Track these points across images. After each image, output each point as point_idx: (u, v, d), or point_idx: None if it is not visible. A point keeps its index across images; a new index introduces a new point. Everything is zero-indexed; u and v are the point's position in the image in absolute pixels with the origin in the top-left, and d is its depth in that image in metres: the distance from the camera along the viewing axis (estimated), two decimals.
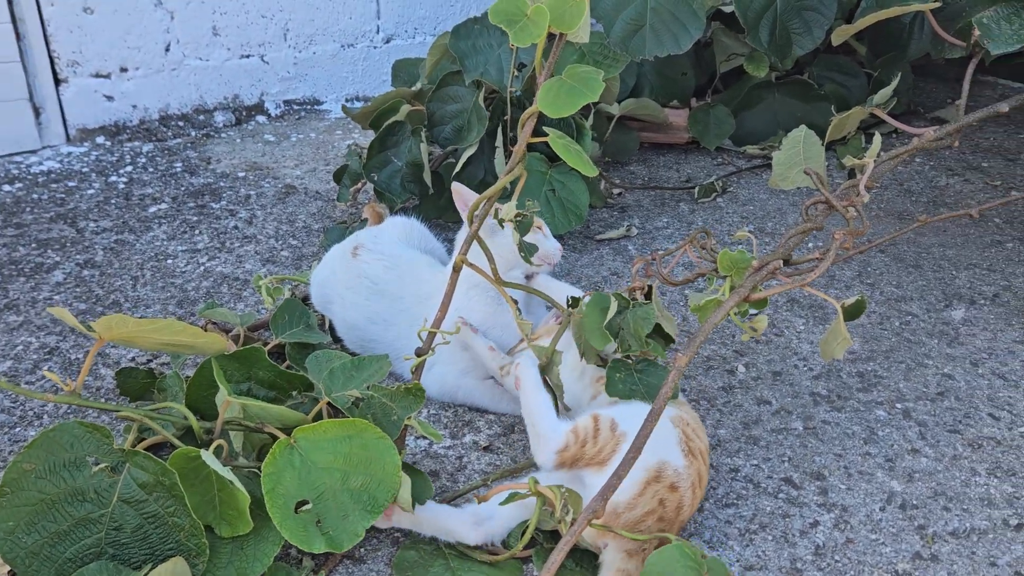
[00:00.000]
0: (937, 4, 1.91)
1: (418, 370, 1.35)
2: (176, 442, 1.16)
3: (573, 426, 1.18)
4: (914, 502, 1.34)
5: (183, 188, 2.37)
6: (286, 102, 2.91)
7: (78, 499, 1.08)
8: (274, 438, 1.25)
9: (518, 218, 1.32)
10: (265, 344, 1.50)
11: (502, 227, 1.39)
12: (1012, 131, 2.91)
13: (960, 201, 2.37)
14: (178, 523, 1.09)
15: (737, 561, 1.22)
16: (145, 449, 1.15)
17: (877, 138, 1.63)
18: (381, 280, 1.60)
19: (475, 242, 1.33)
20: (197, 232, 2.14)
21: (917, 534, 1.28)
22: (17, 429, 1.45)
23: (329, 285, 1.67)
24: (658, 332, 1.44)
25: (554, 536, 1.24)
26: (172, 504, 1.09)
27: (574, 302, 1.43)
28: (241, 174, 2.48)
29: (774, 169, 1.93)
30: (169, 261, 2.01)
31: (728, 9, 2.52)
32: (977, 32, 1.81)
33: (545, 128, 1.37)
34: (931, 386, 1.61)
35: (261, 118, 2.87)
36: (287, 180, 2.45)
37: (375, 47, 2.99)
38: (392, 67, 2.47)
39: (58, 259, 1.99)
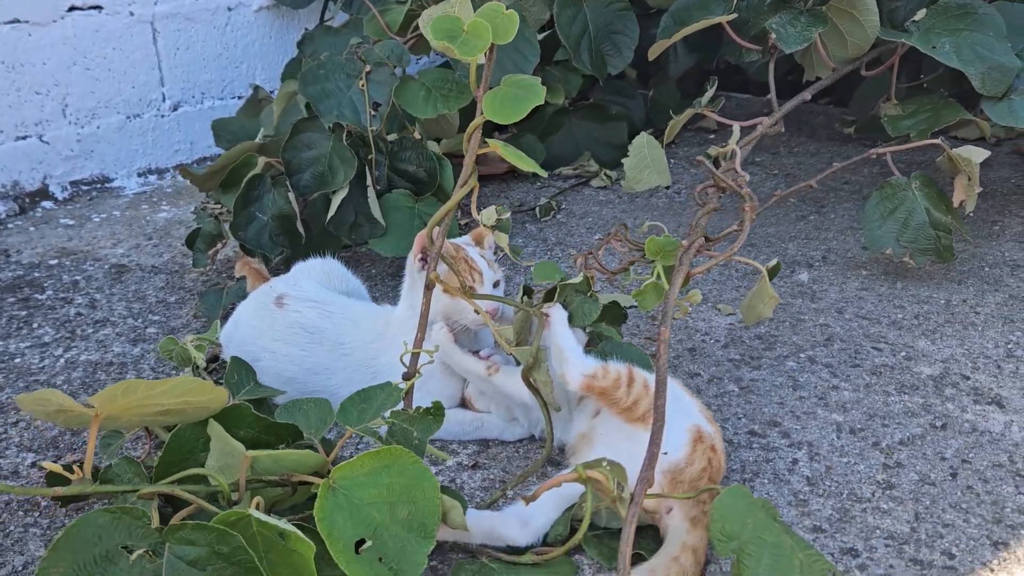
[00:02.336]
0: (733, 16, 2.19)
1: (408, 396, 1.31)
2: (212, 508, 1.04)
3: (604, 364, 1.25)
4: (859, 426, 1.52)
5: None
6: (73, 183, 2.65)
7: None
8: (295, 489, 1.16)
9: (497, 221, 1.34)
10: None
11: (492, 231, 1.39)
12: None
13: (756, 189, 2.64)
14: None
15: None
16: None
17: (736, 127, 1.84)
18: (318, 328, 1.53)
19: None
20: (35, 326, 1.89)
21: (876, 449, 1.45)
22: None
23: (251, 342, 1.56)
24: (610, 314, 1.52)
25: (591, 525, 1.25)
26: (232, 574, 0.97)
27: (528, 292, 1.48)
28: (53, 261, 2.22)
29: (627, 174, 2.11)
30: (17, 360, 1.76)
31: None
32: (773, 36, 2.10)
33: (486, 140, 1.41)
34: (817, 335, 1.83)
35: (47, 203, 2.58)
36: (112, 260, 2.23)
37: (163, 115, 2.82)
38: (212, 127, 2.36)
39: None
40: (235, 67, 2.97)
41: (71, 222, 2.48)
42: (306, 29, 2.96)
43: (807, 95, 2.13)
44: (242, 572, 0.97)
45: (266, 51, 3.03)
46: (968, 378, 1.66)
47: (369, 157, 2.01)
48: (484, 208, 1.52)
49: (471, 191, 1.39)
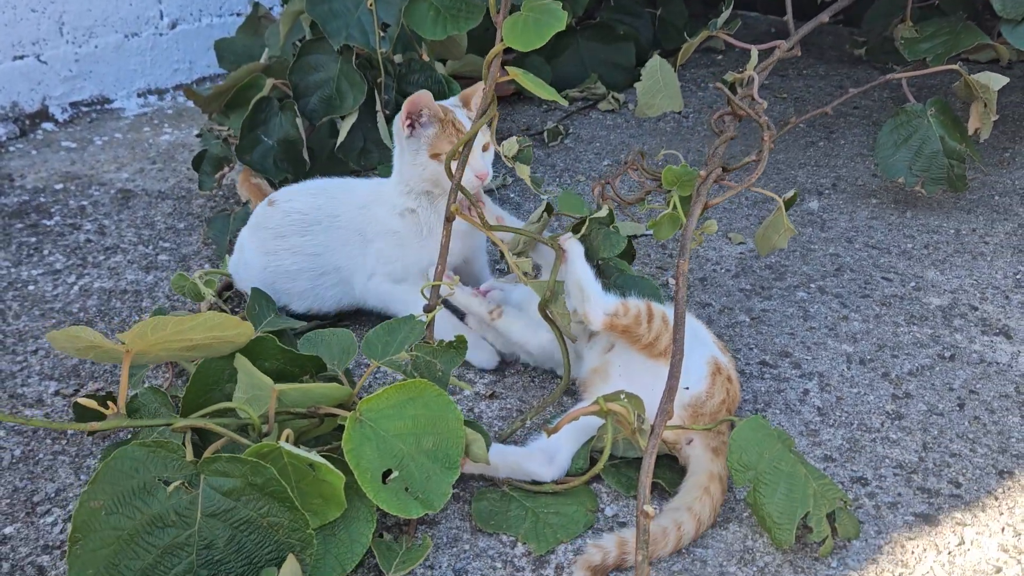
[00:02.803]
0: None
1: (430, 326, 1.33)
2: (244, 440, 1.06)
3: (624, 301, 1.26)
4: (868, 357, 1.54)
5: None
6: (72, 104, 2.61)
7: (159, 526, 0.97)
8: (322, 420, 1.18)
9: (519, 153, 1.33)
10: None
11: (511, 164, 1.38)
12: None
13: (766, 114, 2.65)
14: (275, 522, 1.01)
15: None
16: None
17: (754, 51, 1.80)
18: (312, 207, 1.57)
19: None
20: (46, 252, 1.89)
21: (885, 380, 1.48)
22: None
23: (254, 256, 1.59)
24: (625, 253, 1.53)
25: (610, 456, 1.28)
26: (265, 504, 1.00)
27: (548, 210, 1.48)
28: (59, 186, 2.20)
29: (640, 99, 2.07)
30: (31, 287, 1.76)
31: None
32: None
33: (507, 68, 1.38)
34: (827, 265, 1.84)
35: (48, 125, 2.54)
36: (117, 185, 2.21)
37: (161, 34, 2.75)
38: (215, 47, 2.31)
39: None
40: None
41: (73, 145, 2.45)
42: None
43: (824, 17, 2.09)
44: (275, 502, 1.00)
45: None
46: (976, 309, 1.67)
47: (378, 80, 1.98)
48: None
49: (491, 119, 1.37)
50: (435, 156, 1.43)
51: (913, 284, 1.76)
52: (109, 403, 1.01)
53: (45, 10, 2.48)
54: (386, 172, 1.97)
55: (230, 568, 0.99)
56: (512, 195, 2.17)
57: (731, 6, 2.12)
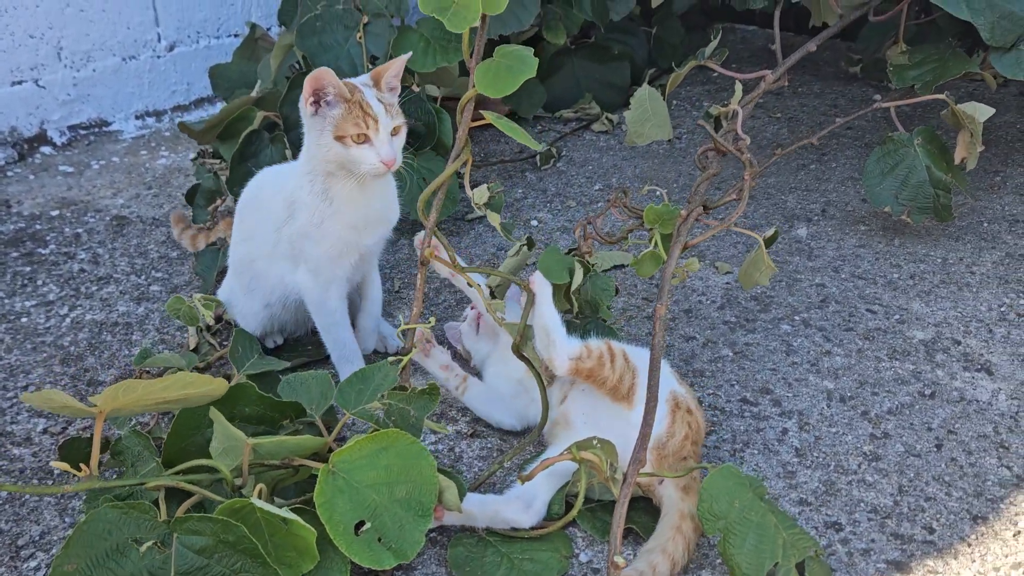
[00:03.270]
0: None
1: (405, 369, 1.34)
2: (216, 497, 1.08)
3: (586, 343, 1.26)
4: (849, 394, 1.55)
5: None
6: (71, 127, 2.63)
7: None
8: (296, 471, 1.20)
9: (491, 200, 1.34)
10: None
11: (482, 211, 1.40)
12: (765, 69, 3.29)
13: (758, 134, 2.66)
14: None
15: None
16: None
17: (738, 85, 1.81)
18: (249, 199, 1.59)
19: None
20: (39, 283, 1.91)
21: (864, 419, 1.49)
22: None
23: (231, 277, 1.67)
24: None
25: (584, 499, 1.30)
26: (238, 560, 1.02)
27: (530, 245, 1.49)
28: (55, 212, 2.23)
29: (629, 127, 2.08)
30: (24, 319, 1.78)
31: None
32: None
33: (482, 112, 1.40)
34: (813, 296, 1.84)
35: (47, 149, 2.57)
36: (112, 211, 2.24)
37: (159, 56, 2.78)
38: (209, 74, 2.33)
39: None
40: (230, 4, 2.91)
41: (70, 169, 2.47)
42: None
43: (812, 46, 2.10)
44: (248, 558, 1.02)
45: None
46: (959, 343, 1.68)
47: None
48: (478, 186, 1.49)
49: (465, 163, 1.39)
50: (339, 138, 1.35)
51: (897, 317, 1.76)
52: (82, 466, 1.03)
53: (43, 36, 2.50)
54: None
55: None
56: (502, 221, 2.18)
57: (719, 35, 2.13)
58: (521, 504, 1.25)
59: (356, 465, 1.13)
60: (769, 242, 1.57)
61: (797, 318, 1.77)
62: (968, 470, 1.37)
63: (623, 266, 1.94)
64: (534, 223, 2.17)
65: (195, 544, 1.01)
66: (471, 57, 1.38)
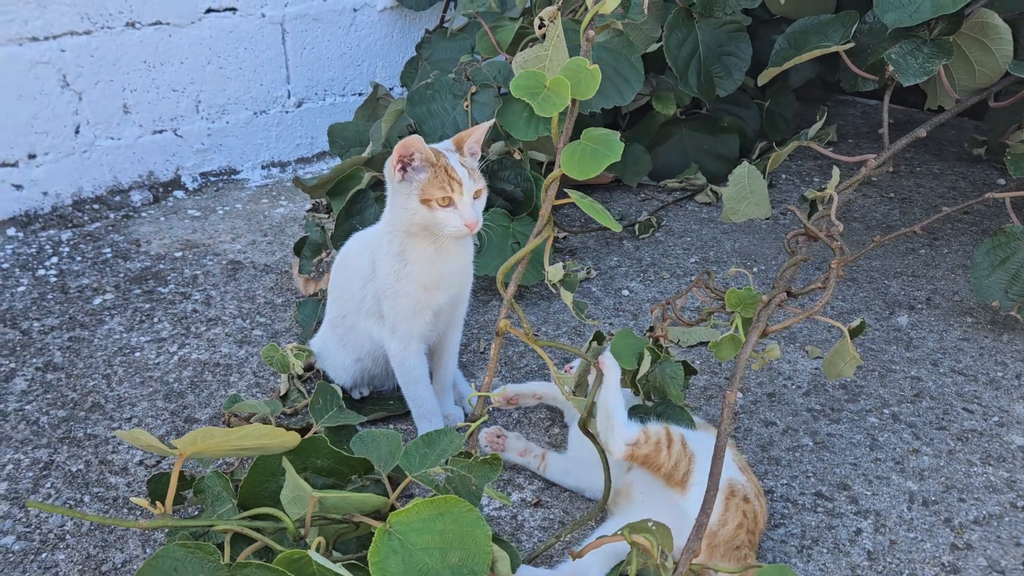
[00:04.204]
0: (850, 45, 2.12)
1: (472, 436, 1.38)
2: (276, 547, 1.13)
3: (644, 428, 1.28)
4: (933, 498, 1.48)
5: (121, 275, 2.26)
6: (203, 174, 2.83)
7: None
8: (356, 526, 1.24)
9: (565, 279, 1.37)
10: (300, 431, 1.47)
11: (554, 289, 1.43)
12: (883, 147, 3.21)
13: (867, 215, 2.60)
14: None
15: None
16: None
17: (835, 171, 1.79)
18: (345, 258, 1.68)
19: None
20: (156, 320, 2.06)
21: (946, 527, 1.42)
22: (43, 555, 1.36)
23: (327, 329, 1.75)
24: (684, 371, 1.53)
25: None
26: None
27: (598, 338, 1.50)
28: (178, 254, 2.39)
29: (725, 204, 2.08)
30: (137, 354, 1.92)
31: None
32: (890, 68, 2.02)
33: (567, 190, 1.44)
34: (906, 389, 1.78)
35: (179, 193, 2.77)
36: (229, 256, 2.39)
37: (287, 112, 2.96)
38: (328, 132, 2.46)
39: (13, 365, 1.86)
40: (357, 65, 3.08)
41: (197, 213, 2.65)
42: (426, 30, 3.04)
43: (922, 132, 2.05)
44: None
45: (387, 50, 3.13)
46: None
47: None
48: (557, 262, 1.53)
49: (546, 240, 1.43)
50: (425, 202, 1.41)
51: (996, 419, 1.68)
52: (158, 504, 1.10)
53: (185, 89, 2.71)
54: (477, 264, 2.07)
55: None
56: (594, 289, 2.20)
57: (824, 116, 2.11)
58: None
59: (412, 527, 1.16)
60: (855, 333, 1.53)
61: (886, 411, 1.71)
62: None
63: (707, 343, 1.93)
64: (625, 292, 2.18)
65: None
66: (559, 139, 1.42)
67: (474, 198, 1.44)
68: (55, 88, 2.46)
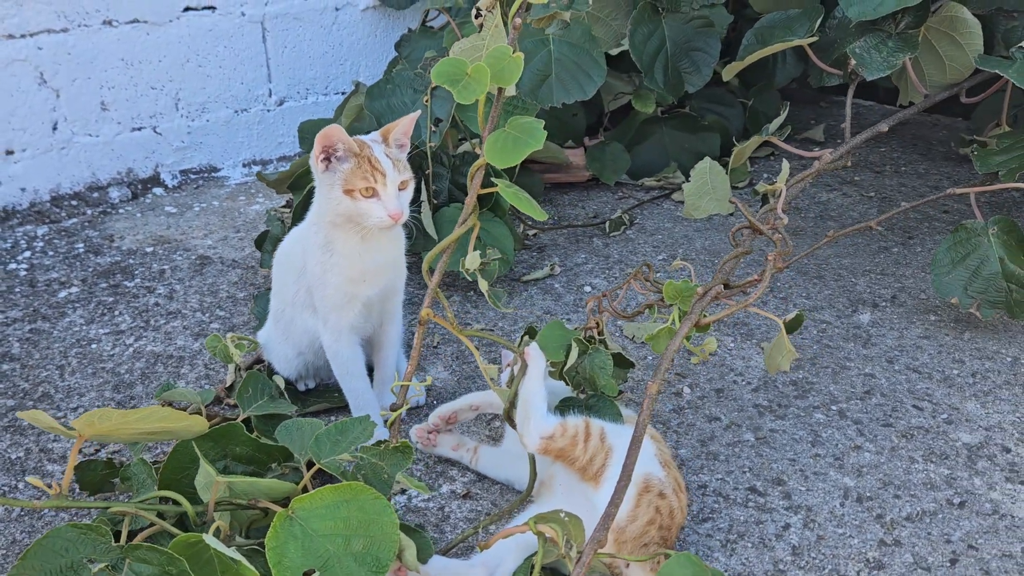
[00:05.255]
0: (815, 39, 2.10)
1: (394, 425, 1.37)
2: (173, 530, 1.14)
3: (563, 421, 1.26)
4: (868, 494, 1.45)
5: (91, 269, 2.29)
6: (182, 172, 2.86)
7: None
8: (265, 513, 1.24)
9: (482, 267, 1.37)
10: (224, 420, 1.48)
11: (470, 278, 1.42)
12: (872, 145, 3.17)
13: (843, 213, 2.57)
14: None
15: (725, 571, 1.30)
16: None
17: (785, 165, 1.77)
18: (280, 256, 1.69)
19: None
20: (117, 313, 2.07)
21: (877, 523, 1.39)
22: None
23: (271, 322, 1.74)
24: (617, 363, 1.51)
25: (558, 574, 1.28)
26: None
27: (530, 333, 1.48)
28: (149, 249, 2.41)
29: (686, 200, 2.06)
30: (93, 346, 1.94)
31: (614, 52, 2.66)
32: (853, 61, 2.00)
33: (493, 179, 1.43)
34: (857, 386, 1.75)
35: (158, 190, 2.80)
36: (199, 251, 2.40)
37: (268, 110, 2.98)
38: (298, 129, 2.48)
39: None
40: (339, 64, 3.09)
41: (174, 210, 2.68)
42: (409, 29, 3.05)
43: (883, 126, 2.02)
44: None
45: (370, 49, 3.14)
46: (1009, 451, 1.55)
47: (427, 171, 2.07)
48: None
49: (472, 228, 1.42)
50: (348, 192, 1.41)
51: (945, 416, 1.65)
52: (54, 484, 1.11)
53: (164, 88, 2.74)
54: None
55: None
56: (557, 285, 2.19)
57: (786, 109, 2.09)
58: (484, 571, 1.24)
59: (315, 513, 1.16)
60: (791, 326, 1.51)
61: (834, 408, 1.68)
62: None
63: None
64: (587, 288, 2.17)
65: (143, 572, 1.07)
66: (485, 127, 1.41)
67: (400, 189, 1.43)
68: (32, 85, 2.49)
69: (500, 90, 1.40)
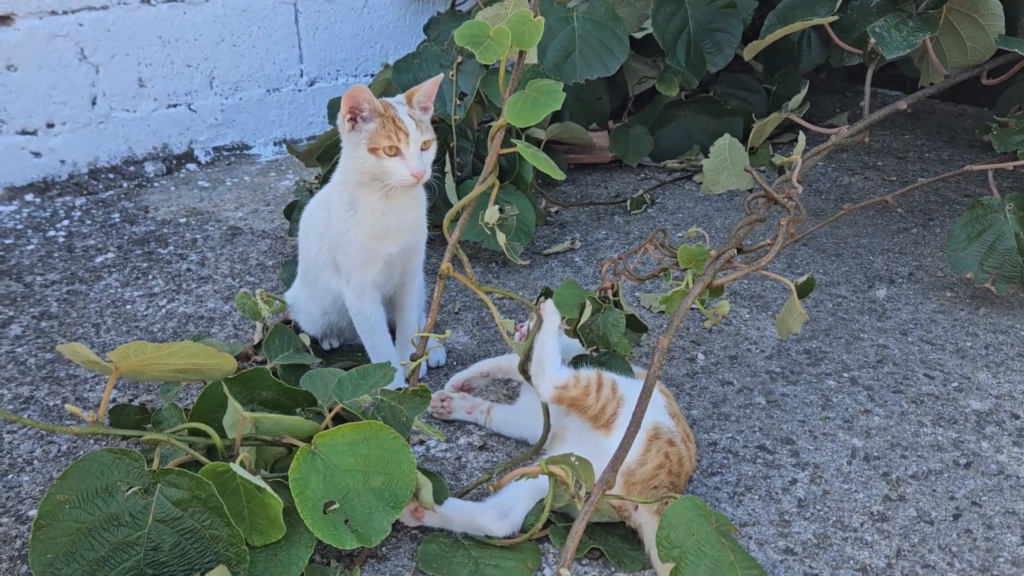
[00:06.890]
0: (835, 18, 2.12)
1: (414, 373, 1.42)
2: (203, 459, 1.20)
3: (576, 372, 1.30)
4: (875, 454, 1.48)
5: (126, 237, 2.37)
6: (215, 148, 2.94)
7: (113, 524, 1.11)
8: (289, 451, 1.30)
9: (500, 221, 1.42)
10: None
11: (489, 231, 1.47)
12: (897, 133, 3.18)
13: (864, 196, 2.59)
14: (216, 535, 1.12)
15: (731, 520, 1.33)
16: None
17: (802, 137, 1.80)
18: (306, 215, 1.74)
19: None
20: (150, 277, 2.15)
21: (883, 480, 1.42)
22: (9, 476, 1.45)
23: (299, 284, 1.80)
24: (631, 325, 1.55)
25: (565, 517, 1.32)
26: (208, 517, 1.13)
27: (547, 293, 1.53)
28: (182, 220, 2.49)
29: (705, 176, 2.10)
30: (128, 306, 2.01)
31: (639, 35, 2.70)
32: (872, 40, 2.02)
33: (513, 140, 1.48)
34: (870, 356, 1.78)
35: (192, 166, 2.88)
36: (230, 222, 2.47)
37: (300, 90, 3.05)
38: (328, 106, 2.53)
39: (11, 313, 1.97)
40: (369, 46, 3.16)
41: (207, 184, 2.75)
42: (438, 12, 3.10)
43: (902, 104, 2.04)
44: (216, 516, 1.12)
45: (400, 32, 3.20)
46: (1018, 417, 1.57)
47: (451, 144, 2.12)
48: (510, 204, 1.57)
49: (492, 187, 1.47)
50: (373, 151, 1.45)
51: (956, 384, 1.67)
52: (90, 412, 1.17)
53: (199, 66, 2.82)
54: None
55: (173, 571, 1.12)
56: (577, 259, 2.23)
57: (806, 87, 2.11)
58: (496, 513, 1.29)
59: (336, 449, 1.21)
60: (803, 290, 1.55)
61: (846, 375, 1.71)
62: (982, 544, 1.28)
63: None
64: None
65: (174, 496, 1.13)
66: (505, 90, 1.46)
67: (422, 149, 1.48)
68: (73, 60, 2.58)
69: (521, 55, 1.45)
